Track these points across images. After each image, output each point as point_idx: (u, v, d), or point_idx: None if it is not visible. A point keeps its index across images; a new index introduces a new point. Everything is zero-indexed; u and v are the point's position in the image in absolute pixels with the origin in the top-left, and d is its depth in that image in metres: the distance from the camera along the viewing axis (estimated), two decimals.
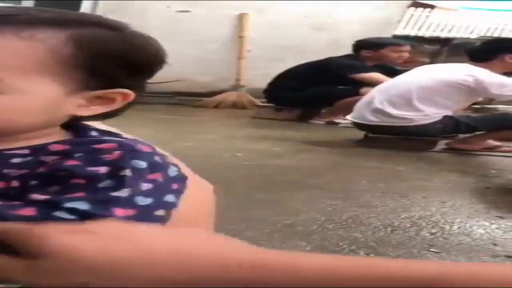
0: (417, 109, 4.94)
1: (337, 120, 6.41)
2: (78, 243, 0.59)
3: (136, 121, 5.89)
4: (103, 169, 0.71)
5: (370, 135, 5.26)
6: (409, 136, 4.99)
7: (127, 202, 0.70)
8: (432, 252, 2.68)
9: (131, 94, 0.80)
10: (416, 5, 10.37)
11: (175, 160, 0.87)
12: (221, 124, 6.43)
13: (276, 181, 3.87)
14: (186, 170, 0.89)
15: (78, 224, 0.61)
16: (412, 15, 10.64)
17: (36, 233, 0.59)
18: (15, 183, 0.71)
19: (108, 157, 0.73)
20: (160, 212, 0.74)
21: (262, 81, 7.28)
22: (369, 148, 5.05)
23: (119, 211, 0.68)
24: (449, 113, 5.00)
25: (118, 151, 0.74)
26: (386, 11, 9.12)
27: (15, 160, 0.73)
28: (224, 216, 3.12)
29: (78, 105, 0.78)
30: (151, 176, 0.74)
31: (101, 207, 0.67)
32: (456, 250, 2.72)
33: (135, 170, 0.72)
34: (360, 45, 6.82)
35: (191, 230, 0.69)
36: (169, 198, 0.76)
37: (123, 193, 0.70)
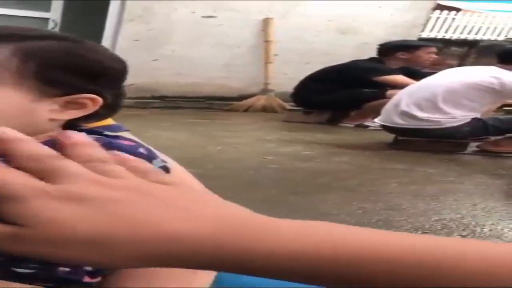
0: (444, 112, 4.92)
1: (366, 123, 6.40)
2: (67, 213, 0.54)
3: (168, 125, 5.98)
4: None
5: (400, 137, 5.24)
6: (438, 138, 4.97)
7: None
8: None
9: (98, 99, 0.85)
10: (440, 8, 10.32)
11: (163, 156, 0.92)
12: (251, 127, 6.46)
13: (306, 184, 3.88)
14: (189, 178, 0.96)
15: (79, 186, 0.55)
16: (438, 18, 10.61)
17: (27, 199, 0.54)
18: None
19: None
20: None
21: (290, 85, 7.30)
22: (400, 150, 5.03)
23: None
24: (477, 115, 4.97)
25: None
26: (410, 14, 9.10)
27: None
28: None
29: (51, 110, 0.84)
30: None
31: None
32: None
33: None
34: (392, 47, 6.79)
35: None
36: None
37: None
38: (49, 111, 0.84)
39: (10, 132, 0.56)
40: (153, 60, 8.00)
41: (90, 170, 0.57)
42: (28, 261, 0.79)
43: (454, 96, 4.90)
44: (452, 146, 5.01)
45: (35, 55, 0.81)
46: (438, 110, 4.94)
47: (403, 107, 5.07)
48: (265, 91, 8.39)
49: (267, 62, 8.49)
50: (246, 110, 8.06)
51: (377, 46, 6.95)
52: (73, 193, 0.54)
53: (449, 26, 10.93)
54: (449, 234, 2.95)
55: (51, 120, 0.85)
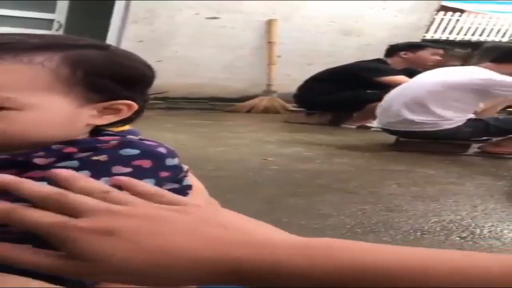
0: (433, 114, 4.93)
1: (368, 124, 6.41)
2: (106, 247, 0.61)
3: (171, 126, 5.99)
4: (82, 154, 0.84)
5: (402, 139, 5.24)
6: (439, 140, 4.98)
7: None
8: None
9: (134, 104, 0.90)
10: (444, 9, 10.32)
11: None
12: (253, 128, 6.46)
13: (306, 185, 3.88)
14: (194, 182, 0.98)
15: (104, 219, 0.63)
16: (442, 19, 10.61)
17: (68, 236, 0.62)
18: None
19: (103, 146, 0.86)
20: None
21: (293, 86, 7.30)
22: (401, 152, 5.03)
23: None
24: (469, 116, 4.99)
25: (115, 141, 0.87)
26: (414, 15, 9.11)
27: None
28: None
29: (90, 116, 0.88)
30: (137, 162, 0.86)
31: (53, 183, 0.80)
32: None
33: (118, 156, 0.85)
34: (397, 48, 6.82)
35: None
36: (145, 182, 0.83)
37: (83, 174, 0.79)
38: (89, 116, 0.88)
39: (11, 177, 0.65)
40: (157, 61, 7.98)
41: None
42: None
43: (438, 97, 4.92)
44: (454, 148, 5.01)
45: (82, 63, 0.85)
46: (428, 112, 4.95)
47: (395, 110, 5.09)
48: (267, 92, 8.40)
49: (270, 63, 8.52)
50: (248, 111, 8.07)
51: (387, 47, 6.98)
52: (102, 227, 0.62)
53: (453, 28, 10.93)
54: (448, 235, 2.95)
55: (88, 125, 0.89)
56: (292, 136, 5.90)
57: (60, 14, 8.70)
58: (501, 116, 5.32)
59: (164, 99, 7.74)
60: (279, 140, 5.65)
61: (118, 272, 0.62)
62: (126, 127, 1.04)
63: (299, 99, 7.16)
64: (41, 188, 0.65)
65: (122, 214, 0.63)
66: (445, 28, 10.84)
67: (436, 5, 9.65)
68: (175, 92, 7.69)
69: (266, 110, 8.07)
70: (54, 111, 0.85)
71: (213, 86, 8.47)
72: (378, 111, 5.37)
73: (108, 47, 0.91)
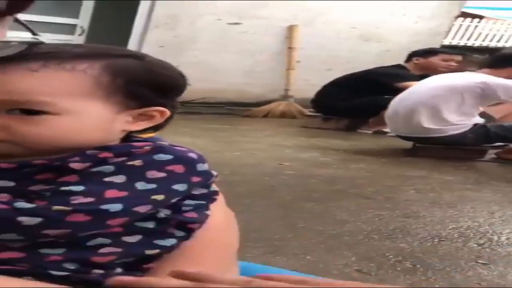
0: (440, 119, 4.95)
1: (384, 129, 6.39)
2: None
3: (188, 130, 6.02)
4: (117, 159, 0.86)
5: (418, 144, 5.23)
6: (447, 145, 4.99)
7: (122, 186, 0.84)
8: (479, 264, 2.65)
9: (166, 111, 0.93)
10: (464, 15, 10.29)
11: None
12: (269, 133, 6.46)
13: (323, 190, 3.88)
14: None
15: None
16: (461, 25, 10.58)
17: None
18: None
19: (137, 151, 0.88)
20: (159, 197, 0.86)
21: (311, 91, 7.31)
22: (417, 157, 5.02)
23: (110, 193, 0.83)
24: (476, 120, 5.01)
25: (149, 147, 0.89)
26: (434, 21, 9.10)
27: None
28: (269, 225, 3.15)
29: (126, 122, 0.91)
30: (170, 167, 0.88)
31: (95, 187, 0.82)
32: (505, 261, 2.69)
33: (152, 161, 0.87)
34: (412, 54, 6.85)
35: None
36: (179, 187, 0.88)
37: (119, 179, 0.84)
38: (124, 122, 0.90)
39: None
40: (176, 66, 8.01)
41: None
42: (63, 263, 0.83)
43: (441, 102, 4.94)
44: (470, 153, 4.99)
45: (122, 72, 0.88)
46: (433, 117, 4.96)
47: (401, 116, 5.11)
48: (285, 97, 8.42)
49: (289, 68, 8.55)
50: (265, 116, 8.07)
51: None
52: None
53: (471, 33, 10.90)
54: (466, 242, 2.93)
55: (123, 131, 0.91)
56: (309, 141, 5.90)
57: (83, 19, 8.78)
58: (506, 123, 5.29)
59: (182, 103, 7.75)
60: (296, 145, 5.64)
61: None
62: (151, 134, 1.06)
63: (316, 104, 7.18)
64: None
65: None
66: (464, 33, 10.80)
67: (457, 11, 9.64)
68: (193, 97, 7.73)
69: (283, 115, 8.08)
70: (93, 117, 0.87)
71: (231, 91, 8.49)
72: (386, 117, 5.40)
73: (144, 56, 0.94)
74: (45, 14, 8.21)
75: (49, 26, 8.23)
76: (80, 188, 0.82)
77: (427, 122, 4.98)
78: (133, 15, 8.09)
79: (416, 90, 5.25)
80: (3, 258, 0.81)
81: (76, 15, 8.68)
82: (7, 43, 0.82)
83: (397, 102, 5.30)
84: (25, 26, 0.85)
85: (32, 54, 0.85)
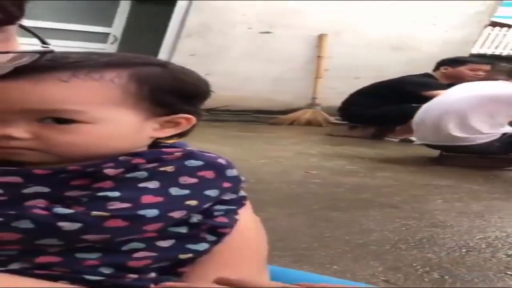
0: (471, 128, 4.90)
1: (411, 138, 6.35)
2: None
3: (214, 138, 6.03)
4: (149, 165, 0.87)
5: (445, 153, 5.19)
6: (473, 154, 4.94)
7: (157, 191, 0.86)
8: (509, 276, 2.62)
9: (192, 118, 0.94)
10: (493, 24, 10.24)
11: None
12: (295, 141, 6.45)
13: (349, 199, 3.86)
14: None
15: None
16: (489, 34, 10.53)
17: None
18: None
19: (169, 157, 0.90)
20: (193, 203, 0.87)
21: (337, 99, 7.31)
22: (445, 166, 4.98)
23: (146, 198, 0.84)
24: (505, 129, 4.97)
25: (179, 153, 0.91)
26: (463, 31, 9.08)
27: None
28: (296, 234, 3.13)
29: (153, 129, 0.92)
30: (201, 173, 0.89)
31: (131, 193, 0.84)
32: None
33: (183, 167, 0.89)
34: (440, 62, 6.83)
35: None
36: (210, 192, 0.90)
37: (152, 184, 0.85)
38: (152, 129, 0.92)
39: None
40: (206, 74, 8.08)
41: None
42: (99, 267, 0.84)
43: (474, 111, 4.90)
44: (498, 162, 4.95)
45: (148, 80, 0.89)
46: (461, 126, 4.91)
47: (429, 124, 5.07)
48: (312, 105, 8.44)
49: (317, 76, 8.59)
50: (291, 124, 8.08)
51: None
52: None
53: (500, 42, 10.84)
54: (494, 253, 2.90)
55: (151, 137, 0.93)
56: (335, 149, 5.88)
57: (117, 28, 8.90)
58: None
59: (208, 110, 7.81)
60: (322, 153, 5.63)
61: None
62: (175, 140, 1.07)
63: (343, 113, 7.17)
64: None
65: None
66: (492, 42, 10.75)
67: (486, 20, 9.60)
68: (220, 104, 7.77)
69: (309, 123, 8.08)
70: (122, 124, 0.89)
71: (258, 98, 8.52)
72: (415, 127, 5.36)
73: (167, 64, 0.95)
74: (79, 23, 8.35)
75: (82, 34, 8.38)
76: (116, 194, 0.84)
77: (456, 131, 4.94)
78: (166, 24, 8.21)
79: (446, 99, 5.21)
80: (41, 263, 0.83)
81: (109, 24, 8.81)
82: (22, 53, 0.82)
83: (425, 111, 5.26)
84: (33, 34, 0.86)
85: (60, 64, 0.86)
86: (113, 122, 0.88)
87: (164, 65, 0.94)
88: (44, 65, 0.85)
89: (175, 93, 0.92)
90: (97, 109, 0.86)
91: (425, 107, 5.33)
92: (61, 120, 0.86)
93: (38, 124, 0.86)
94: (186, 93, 0.93)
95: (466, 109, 4.93)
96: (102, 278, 0.84)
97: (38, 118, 0.85)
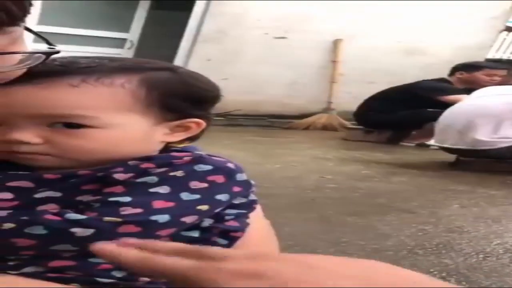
0: (498, 132, 4.86)
1: (427, 142, 6.32)
2: None
3: (229, 143, 6.04)
4: (159, 170, 0.87)
5: (462, 158, 5.16)
6: (492, 158, 4.90)
7: (168, 197, 0.86)
8: None
9: (202, 122, 0.95)
10: (508, 29, 10.21)
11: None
12: (311, 146, 6.44)
13: (365, 204, 3.84)
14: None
15: (248, 263, 0.59)
16: (505, 39, 10.50)
17: (209, 278, 0.57)
18: None
19: (178, 161, 0.90)
20: (204, 207, 0.88)
21: (353, 104, 7.31)
22: (461, 171, 4.94)
23: (157, 203, 0.84)
24: None
25: (189, 157, 0.91)
26: (478, 36, 9.06)
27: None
28: (311, 239, 3.11)
29: (164, 134, 0.93)
30: (211, 178, 0.89)
31: (142, 198, 0.84)
32: None
33: (193, 171, 0.88)
34: (456, 67, 6.82)
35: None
36: (221, 197, 0.90)
37: (163, 189, 0.85)
38: (162, 134, 0.93)
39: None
40: (222, 79, 8.14)
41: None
42: (112, 271, 0.85)
43: (506, 115, 4.85)
44: None
45: (157, 85, 0.90)
46: (495, 130, 4.87)
47: (457, 128, 5.02)
48: (327, 109, 8.45)
49: (332, 81, 8.61)
50: (306, 128, 8.08)
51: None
52: (248, 269, 0.57)
53: None
54: None
55: (161, 142, 0.94)
56: (350, 153, 5.86)
57: (134, 33, 8.97)
58: None
59: (224, 115, 7.82)
60: (337, 157, 5.61)
61: None
62: (185, 144, 1.07)
63: (359, 117, 7.17)
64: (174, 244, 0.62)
65: (268, 258, 0.60)
66: (508, 47, 10.71)
67: (501, 25, 9.56)
68: (235, 109, 7.79)
69: (324, 128, 8.08)
70: (132, 129, 0.90)
71: (273, 103, 8.54)
72: (438, 129, 5.31)
73: (177, 68, 0.96)
74: (96, 29, 8.43)
75: (99, 40, 8.45)
76: (127, 199, 0.84)
77: (481, 134, 4.88)
78: (182, 29, 8.27)
79: (478, 102, 5.14)
80: (55, 266, 0.84)
81: (126, 29, 8.88)
82: (29, 55, 0.83)
83: (453, 114, 5.18)
84: (39, 36, 0.86)
85: (70, 69, 0.87)
86: (123, 127, 0.89)
87: (174, 69, 0.95)
88: (55, 70, 0.87)
89: (185, 97, 0.92)
90: (107, 115, 0.87)
91: (452, 110, 5.27)
92: (71, 125, 0.86)
93: (48, 128, 0.87)
94: (196, 97, 0.94)
95: (503, 114, 4.88)
96: (115, 281, 0.85)
97: (49, 123, 0.86)
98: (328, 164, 5.22)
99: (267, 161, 5.16)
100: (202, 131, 0.98)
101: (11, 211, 0.83)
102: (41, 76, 0.86)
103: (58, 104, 0.86)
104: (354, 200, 3.94)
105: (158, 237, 0.84)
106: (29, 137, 0.86)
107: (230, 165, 0.93)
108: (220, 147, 5.44)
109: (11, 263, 0.84)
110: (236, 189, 0.92)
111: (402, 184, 4.49)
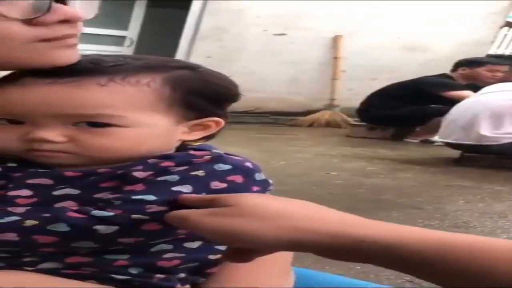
0: (503, 128, 4.86)
1: (431, 139, 6.33)
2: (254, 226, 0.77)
3: (233, 140, 6.04)
4: (179, 168, 0.88)
5: (466, 154, 5.16)
6: (495, 154, 4.90)
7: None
8: None
9: (221, 121, 0.95)
10: (509, 24, 10.20)
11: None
12: (315, 142, 6.45)
13: (371, 200, 3.85)
14: None
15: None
16: (506, 35, 10.50)
17: (182, 216, 0.79)
18: None
19: (198, 160, 0.89)
20: None
21: (355, 101, 7.31)
22: (466, 167, 4.95)
23: None
24: None
25: (208, 156, 0.90)
26: (478, 32, 9.06)
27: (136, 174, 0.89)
28: None
29: (183, 132, 0.93)
30: (230, 178, 0.88)
31: (166, 197, 0.84)
32: None
33: (213, 171, 0.89)
34: (458, 63, 6.81)
35: None
36: None
37: (185, 188, 0.85)
38: (181, 132, 0.93)
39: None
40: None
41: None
42: (129, 268, 0.86)
43: (508, 111, 4.85)
44: None
45: (180, 84, 0.90)
46: (498, 126, 4.87)
47: (464, 124, 5.01)
48: (330, 106, 8.43)
49: (334, 78, 8.59)
50: (310, 125, 8.08)
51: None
52: (240, 211, 0.78)
53: None
54: None
55: (180, 140, 0.94)
56: (355, 150, 5.87)
57: (132, 31, 8.96)
58: None
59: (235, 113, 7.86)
60: (342, 154, 5.62)
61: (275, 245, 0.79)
62: (201, 142, 1.07)
63: (362, 114, 7.16)
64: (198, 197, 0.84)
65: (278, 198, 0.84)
66: (509, 43, 10.71)
67: (502, 21, 9.56)
68: (238, 106, 7.80)
69: (328, 124, 8.08)
70: (155, 128, 0.89)
71: (276, 100, 8.54)
72: (444, 124, 5.30)
73: (197, 67, 0.95)
74: (95, 27, 8.44)
75: (99, 38, 8.45)
76: (151, 197, 0.83)
77: (485, 129, 4.89)
78: (181, 26, 8.26)
79: (483, 98, 5.15)
80: (71, 263, 0.84)
81: (125, 27, 8.87)
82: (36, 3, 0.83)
83: (460, 109, 5.19)
84: None
85: (98, 68, 0.87)
86: (147, 126, 0.88)
87: (195, 68, 0.95)
88: (82, 68, 0.87)
89: (207, 96, 0.92)
90: (132, 114, 0.87)
91: (458, 106, 5.28)
92: (97, 124, 0.86)
93: (73, 127, 0.86)
94: (217, 96, 0.94)
95: (502, 109, 4.88)
96: (130, 277, 0.85)
97: (74, 122, 0.86)
98: (332, 161, 5.22)
99: (272, 158, 5.17)
100: (219, 130, 0.97)
101: (29, 207, 0.83)
102: (68, 74, 0.86)
103: (87, 104, 0.85)
104: (360, 196, 3.95)
105: (178, 234, 0.85)
106: (53, 135, 0.86)
107: (249, 164, 0.92)
108: (225, 144, 5.44)
109: (26, 260, 0.84)
110: (255, 188, 0.91)
111: (407, 180, 4.50)
